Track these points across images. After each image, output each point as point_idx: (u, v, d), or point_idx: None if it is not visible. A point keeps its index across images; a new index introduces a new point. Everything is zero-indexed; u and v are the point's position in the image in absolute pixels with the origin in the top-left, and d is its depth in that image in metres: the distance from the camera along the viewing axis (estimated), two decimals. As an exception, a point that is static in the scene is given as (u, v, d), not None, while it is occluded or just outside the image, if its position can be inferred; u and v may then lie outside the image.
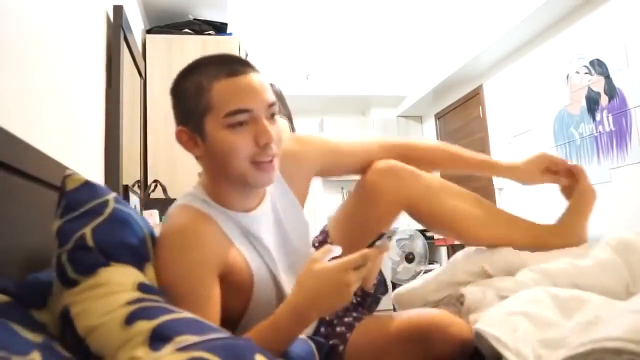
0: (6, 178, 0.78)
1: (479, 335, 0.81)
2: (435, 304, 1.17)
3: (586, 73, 3.35)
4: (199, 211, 0.89)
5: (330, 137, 1.18)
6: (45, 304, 0.67)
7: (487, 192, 4.54)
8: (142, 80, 2.66)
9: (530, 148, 3.98)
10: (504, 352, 0.73)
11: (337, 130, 5.78)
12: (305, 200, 1.10)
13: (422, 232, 4.70)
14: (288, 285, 0.97)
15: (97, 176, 1.63)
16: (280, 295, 0.95)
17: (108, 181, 1.76)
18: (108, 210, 0.73)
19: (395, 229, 0.96)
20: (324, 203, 5.88)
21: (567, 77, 3.54)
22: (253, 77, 0.85)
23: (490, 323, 0.82)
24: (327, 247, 0.80)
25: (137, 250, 0.74)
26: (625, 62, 3.02)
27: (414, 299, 1.21)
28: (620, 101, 3.08)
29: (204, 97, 0.84)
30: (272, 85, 2.44)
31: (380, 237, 0.81)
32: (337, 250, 0.80)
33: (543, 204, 3.84)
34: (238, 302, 0.92)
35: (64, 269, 0.65)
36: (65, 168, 1.06)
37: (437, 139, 5.60)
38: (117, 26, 1.94)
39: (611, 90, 3.15)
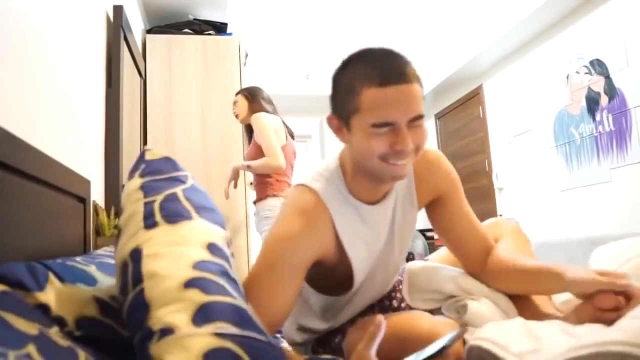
0: (6, 178, 0.78)
1: (470, 350, 0.79)
2: (439, 299, 1.13)
3: (586, 73, 3.35)
4: (319, 201, 0.96)
5: (462, 194, 1.14)
6: (47, 284, 0.68)
7: (487, 192, 4.54)
8: (142, 80, 2.66)
9: (530, 148, 3.98)
10: (496, 350, 0.73)
11: (337, 130, 5.78)
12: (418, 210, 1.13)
13: (422, 232, 4.70)
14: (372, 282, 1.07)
15: (97, 176, 1.63)
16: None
17: (108, 181, 1.76)
18: (190, 182, 0.79)
19: (463, 330, 0.77)
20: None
21: (567, 77, 3.54)
22: (402, 89, 0.86)
23: (482, 333, 0.81)
24: (371, 331, 0.71)
25: (217, 214, 0.79)
26: (625, 62, 3.02)
27: (423, 281, 1.15)
28: (620, 101, 3.08)
29: (354, 99, 0.88)
30: (258, 90, 2.46)
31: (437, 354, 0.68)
32: (382, 331, 0.72)
33: (542, 203, 3.84)
34: (341, 289, 1.03)
35: (152, 213, 0.69)
36: (65, 168, 1.06)
37: (437, 139, 5.60)
38: (117, 26, 1.94)
39: (611, 90, 3.15)
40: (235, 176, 2.42)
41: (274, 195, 2.28)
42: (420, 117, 0.88)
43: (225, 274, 0.66)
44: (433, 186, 1.10)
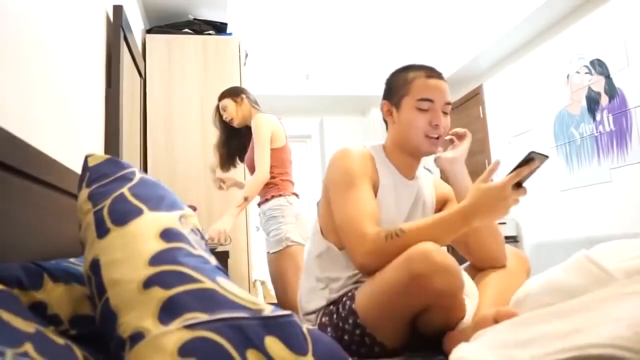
0: (6, 178, 0.78)
1: None
2: None
3: (586, 73, 3.35)
4: (366, 150, 1.31)
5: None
6: (43, 284, 0.68)
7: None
8: (142, 80, 2.66)
9: (530, 148, 3.98)
10: None
11: (337, 130, 5.78)
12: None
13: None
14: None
15: (97, 176, 1.62)
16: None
17: (108, 181, 1.76)
18: (137, 177, 0.78)
19: (547, 155, 1.04)
20: (324, 203, 5.88)
21: (568, 77, 3.54)
22: (441, 83, 1.27)
23: (458, 353, 0.82)
24: (490, 167, 1.12)
25: (168, 198, 0.77)
26: (626, 62, 3.02)
27: None
28: (621, 101, 3.08)
29: (407, 85, 1.27)
30: (243, 91, 2.43)
31: (529, 156, 1.00)
32: (498, 167, 1.11)
33: (542, 203, 3.84)
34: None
35: (102, 221, 0.68)
36: (65, 168, 1.06)
37: (437, 139, 5.60)
38: (117, 26, 1.94)
39: (611, 90, 3.14)
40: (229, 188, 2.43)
41: (280, 195, 2.26)
42: (449, 104, 1.27)
43: (187, 255, 0.64)
44: (444, 192, 1.41)
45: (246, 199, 2.23)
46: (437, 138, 1.26)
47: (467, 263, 1.37)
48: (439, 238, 1.08)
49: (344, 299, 1.20)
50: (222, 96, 2.39)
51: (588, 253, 0.89)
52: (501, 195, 1.06)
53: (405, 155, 1.31)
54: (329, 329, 1.20)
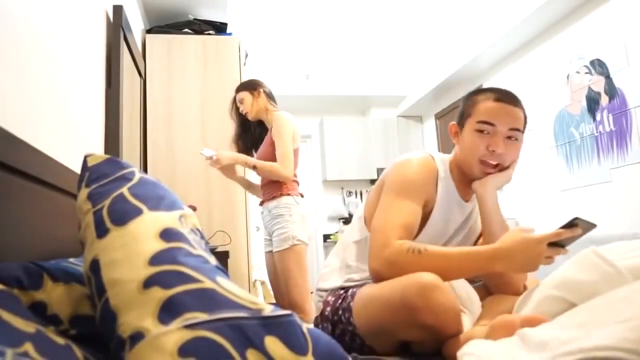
0: (6, 178, 0.78)
1: None
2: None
3: (586, 73, 3.35)
4: (433, 163, 1.28)
5: None
6: (43, 284, 0.68)
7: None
8: (142, 80, 2.66)
9: (530, 148, 3.98)
10: None
11: (337, 130, 5.78)
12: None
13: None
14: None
15: (97, 176, 1.62)
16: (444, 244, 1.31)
17: (108, 181, 1.76)
18: (137, 177, 0.77)
19: (594, 224, 1.01)
20: (324, 203, 5.88)
21: (568, 77, 3.54)
22: (510, 107, 1.21)
23: (468, 348, 0.82)
24: (530, 227, 1.07)
25: (168, 198, 0.77)
26: (626, 62, 3.02)
27: None
28: (621, 101, 3.08)
29: (472, 107, 1.24)
30: (259, 84, 2.41)
31: (573, 221, 0.98)
32: (533, 230, 1.06)
33: (542, 203, 3.84)
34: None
35: (102, 221, 0.67)
36: (65, 168, 1.06)
37: (437, 138, 5.60)
38: (117, 26, 1.94)
39: (611, 90, 3.14)
40: (229, 168, 2.29)
41: (288, 194, 2.25)
42: (517, 130, 1.21)
43: (187, 255, 0.65)
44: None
45: (254, 167, 2.23)
46: (496, 166, 1.21)
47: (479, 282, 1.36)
48: (458, 270, 1.07)
49: (352, 290, 1.21)
50: (240, 88, 2.40)
51: (596, 249, 0.90)
52: (536, 249, 1.01)
53: (463, 177, 1.28)
54: (328, 309, 1.23)
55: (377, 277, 1.12)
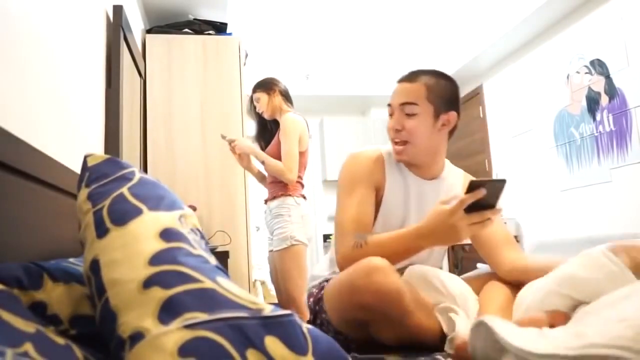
0: (6, 178, 0.78)
1: (479, 324, 0.79)
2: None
3: (586, 73, 3.35)
4: (378, 153, 1.34)
5: None
6: (43, 284, 0.68)
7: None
8: (142, 80, 2.66)
9: (530, 148, 3.98)
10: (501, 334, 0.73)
11: (337, 130, 5.78)
12: None
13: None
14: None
15: (97, 176, 1.62)
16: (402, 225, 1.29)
17: (108, 181, 1.76)
18: (137, 177, 0.77)
19: (500, 180, 1.02)
20: (324, 203, 5.88)
21: (568, 77, 3.54)
22: (403, 84, 1.29)
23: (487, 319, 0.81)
24: (454, 194, 1.07)
25: (168, 198, 0.77)
26: (626, 62, 3.02)
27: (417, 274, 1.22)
28: (621, 101, 3.08)
29: None
30: (274, 82, 2.44)
31: (472, 184, 1.00)
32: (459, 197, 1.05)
33: (542, 203, 3.84)
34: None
35: (102, 221, 0.67)
36: (65, 168, 1.06)
37: (437, 139, 5.60)
38: (117, 26, 1.94)
39: (611, 90, 3.14)
40: (245, 157, 2.36)
41: (289, 195, 2.28)
42: (410, 104, 1.25)
43: (187, 255, 0.65)
44: None
45: (263, 162, 2.31)
46: (403, 143, 1.27)
47: (471, 273, 1.36)
48: (395, 254, 1.13)
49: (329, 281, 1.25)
50: (256, 88, 2.44)
51: (604, 248, 0.90)
52: (450, 221, 1.04)
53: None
54: (311, 300, 1.28)
55: (341, 271, 1.21)
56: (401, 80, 1.30)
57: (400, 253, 1.14)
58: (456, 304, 1.12)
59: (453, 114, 1.29)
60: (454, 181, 1.38)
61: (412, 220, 1.31)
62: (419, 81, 1.27)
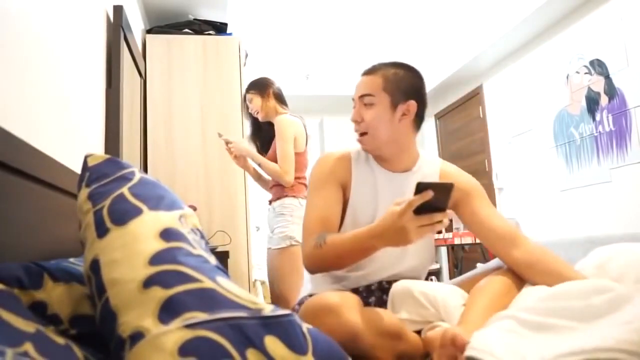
0: (6, 178, 0.78)
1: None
2: (420, 321, 1.13)
3: (586, 73, 3.35)
4: (345, 152, 1.36)
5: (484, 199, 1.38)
6: (43, 284, 0.68)
7: (487, 192, 4.54)
8: (142, 80, 2.66)
9: (530, 148, 3.98)
10: None
11: (337, 130, 5.78)
12: None
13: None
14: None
15: (97, 176, 1.62)
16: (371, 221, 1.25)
17: (108, 181, 1.76)
18: (137, 177, 0.78)
19: (447, 183, 0.99)
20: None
21: (567, 77, 3.54)
22: (360, 79, 1.32)
23: (477, 343, 0.81)
24: (403, 199, 1.02)
25: (168, 198, 0.77)
26: (625, 62, 3.02)
27: (406, 294, 1.18)
28: (620, 101, 3.08)
29: None
30: (269, 82, 2.43)
31: (419, 186, 0.99)
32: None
33: (542, 203, 3.84)
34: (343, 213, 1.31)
35: (102, 221, 0.67)
36: (65, 168, 1.07)
37: (437, 138, 5.60)
38: (117, 26, 1.94)
39: (611, 90, 3.15)
40: (241, 158, 2.36)
41: (293, 196, 2.29)
42: (368, 95, 1.28)
43: (187, 255, 0.65)
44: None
45: (260, 164, 2.32)
46: (363, 134, 1.29)
47: (469, 273, 1.34)
48: (350, 253, 1.13)
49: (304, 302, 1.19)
50: (249, 88, 2.43)
51: (609, 283, 0.86)
52: (399, 223, 1.00)
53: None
54: (296, 307, 1.29)
55: (310, 272, 1.25)
56: (363, 74, 1.32)
57: (355, 252, 1.14)
58: (441, 317, 1.10)
59: (412, 103, 1.26)
60: (429, 172, 1.35)
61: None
62: (377, 73, 1.29)
